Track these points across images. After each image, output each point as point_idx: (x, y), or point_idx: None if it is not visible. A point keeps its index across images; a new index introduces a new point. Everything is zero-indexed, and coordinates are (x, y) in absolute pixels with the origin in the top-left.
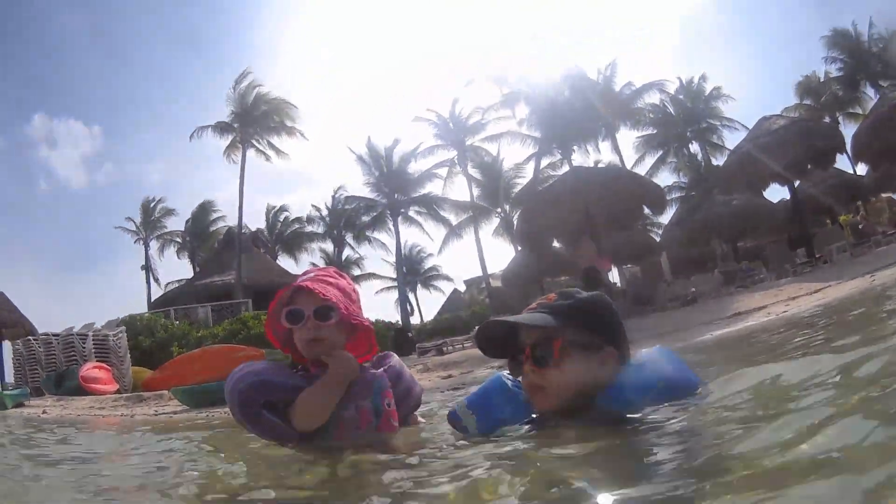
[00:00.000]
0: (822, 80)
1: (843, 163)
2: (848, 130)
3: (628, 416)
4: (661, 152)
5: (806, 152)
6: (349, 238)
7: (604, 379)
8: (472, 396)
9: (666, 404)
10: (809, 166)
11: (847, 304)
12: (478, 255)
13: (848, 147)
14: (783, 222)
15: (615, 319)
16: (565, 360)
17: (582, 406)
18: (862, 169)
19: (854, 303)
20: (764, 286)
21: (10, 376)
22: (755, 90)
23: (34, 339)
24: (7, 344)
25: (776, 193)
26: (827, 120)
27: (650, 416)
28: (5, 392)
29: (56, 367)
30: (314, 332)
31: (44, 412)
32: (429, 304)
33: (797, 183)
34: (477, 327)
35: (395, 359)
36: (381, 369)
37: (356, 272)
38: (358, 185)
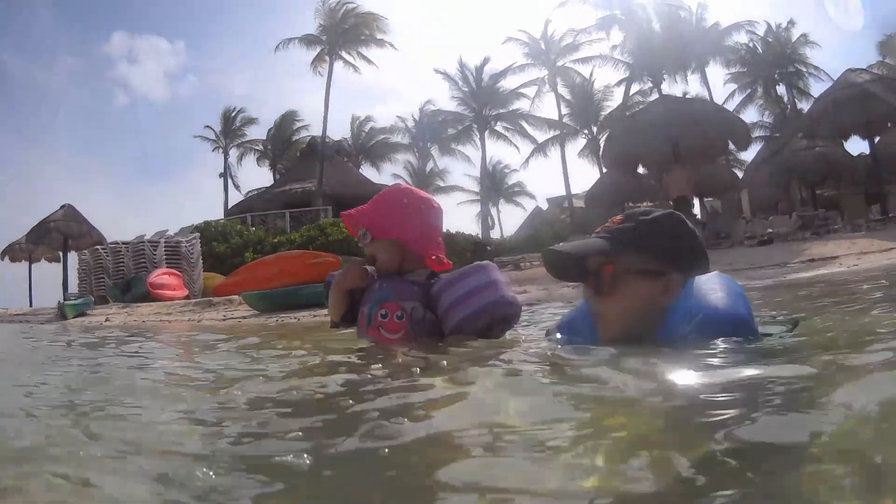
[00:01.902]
0: None
1: None
2: None
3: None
4: (748, 91)
5: (888, 110)
6: (434, 150)
7: (667, 307)
8: (562, 318)
9: (717, 343)
10: (889, 125)
11: None
12: (562, 174)
13: None
14: (861, 176)
15: (685, 242)
16: (619, 288)
17: (646, 335)
18: None
19: None
20: (837, 236)
21: (75, 287)
22: (839, 44)
23: (102, 249)
24: (73, 257)
25: (856, 147)
26: None
27: (708, 357)
28: (67, 302)
29: (124, 275)
30: (365, 249)
31: (107, 319)
32: (511, 220)
33: (877, 139)
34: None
35: (452, 275)
36: (430, 282)
37: (440, 184)
38: (445, 101)
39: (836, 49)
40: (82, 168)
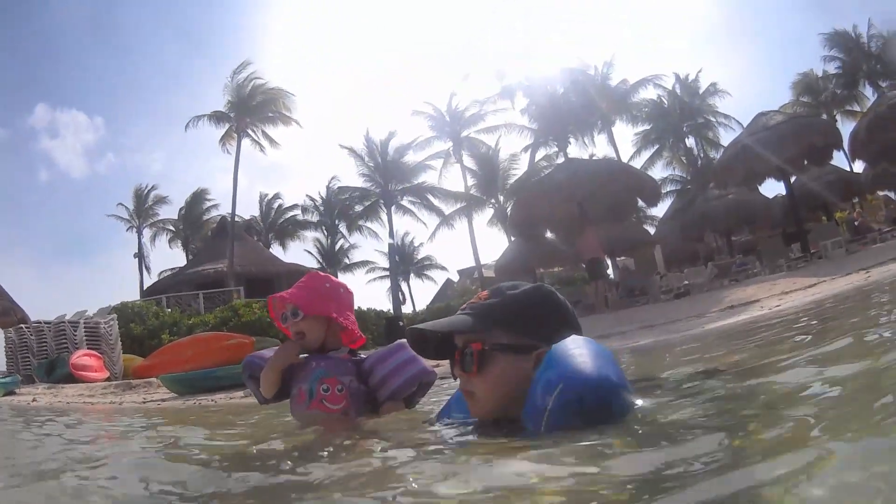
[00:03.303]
0: (819, 77)
1: (839, 160)
2: (845, 128)
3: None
4: (656, 146)
5: (803, 148)
6: (342, 227)
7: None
8: (443, 407)
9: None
10: (806, 162)
11: (840, 300)
12: (471, 246)
13: (845, 144)
14: (778, 217)
15: (553, 315)
16: (487, 366)
17: (518, 412)
18: (859, 167)
19: (847, 299)
20: (757, 280)
21: (1, 365)
22: (752, 89)
23: (26, 327)
24: None
25: (772, 189)
26: (824, 117)
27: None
28: None
29: (47, 355)
30: (293, 326)
31: (34, 400)
32: (422, 294)
33: (793, 178)
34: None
35: (381, 352)
36: (358, 359)
37: (346, 262)
38: (353, 176)
39: (750, 94)
40: (4, 242)
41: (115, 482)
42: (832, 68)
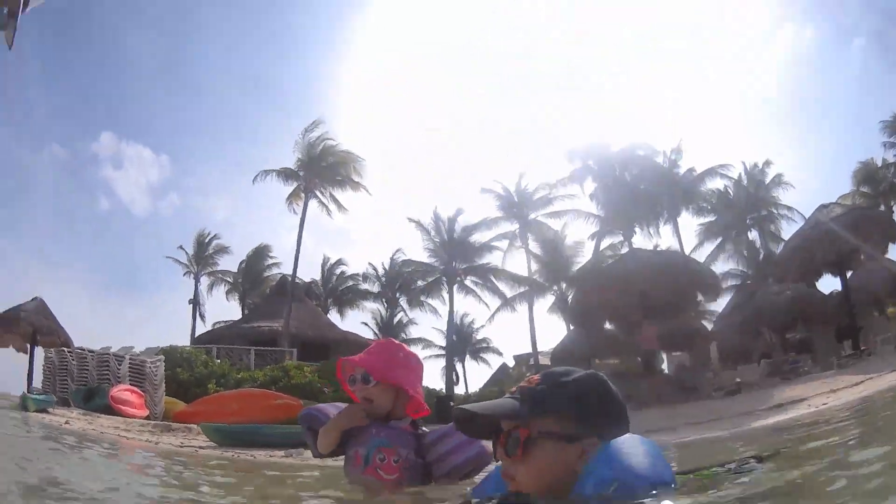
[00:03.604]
0: (879, 167)
1: (895, 253)
2: None
3: None
4: (720, 239)
5: (860, 242)
6: (403, 301)
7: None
8: (482, 481)
9: None
10: (863, 256)
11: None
12: (529, 331)
13: None
14: (833, 313)
15: (605, 406)
16: (533, 452)
17: (560, 498)
18: None
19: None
20: (807, 378)
21: (39, 383)
22: (814, 176)
23: (68, 351)
24: (40, 351)
25: (828, 284)
26: (882, 208)
27: None
28: (30, 396)
29: (87, 383)
30: (362, 391)
31: (66, 422)
32: (475, 376)
33: (849, 273)
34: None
35: (445, 429)
36: (420, 432)
37: (403, 336)
38: (416, 250)
39: (813, 182)
40: (53, 263)
41: None
42: (891, 156)
